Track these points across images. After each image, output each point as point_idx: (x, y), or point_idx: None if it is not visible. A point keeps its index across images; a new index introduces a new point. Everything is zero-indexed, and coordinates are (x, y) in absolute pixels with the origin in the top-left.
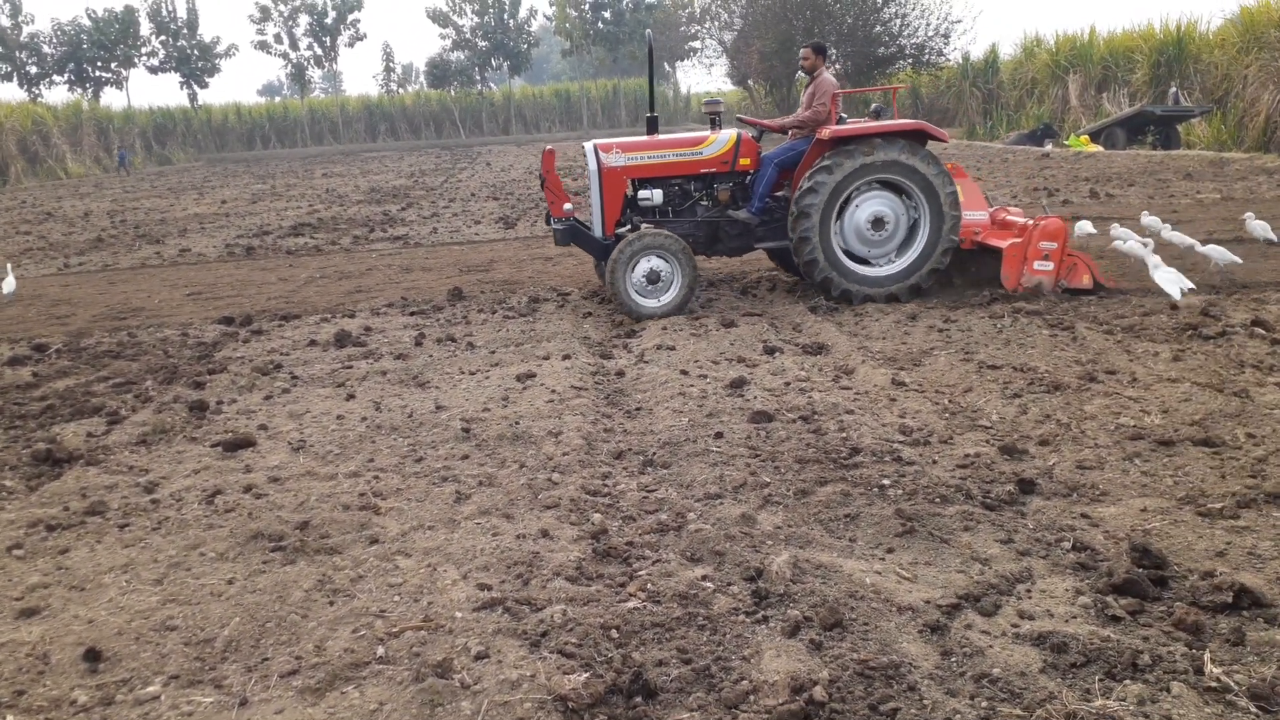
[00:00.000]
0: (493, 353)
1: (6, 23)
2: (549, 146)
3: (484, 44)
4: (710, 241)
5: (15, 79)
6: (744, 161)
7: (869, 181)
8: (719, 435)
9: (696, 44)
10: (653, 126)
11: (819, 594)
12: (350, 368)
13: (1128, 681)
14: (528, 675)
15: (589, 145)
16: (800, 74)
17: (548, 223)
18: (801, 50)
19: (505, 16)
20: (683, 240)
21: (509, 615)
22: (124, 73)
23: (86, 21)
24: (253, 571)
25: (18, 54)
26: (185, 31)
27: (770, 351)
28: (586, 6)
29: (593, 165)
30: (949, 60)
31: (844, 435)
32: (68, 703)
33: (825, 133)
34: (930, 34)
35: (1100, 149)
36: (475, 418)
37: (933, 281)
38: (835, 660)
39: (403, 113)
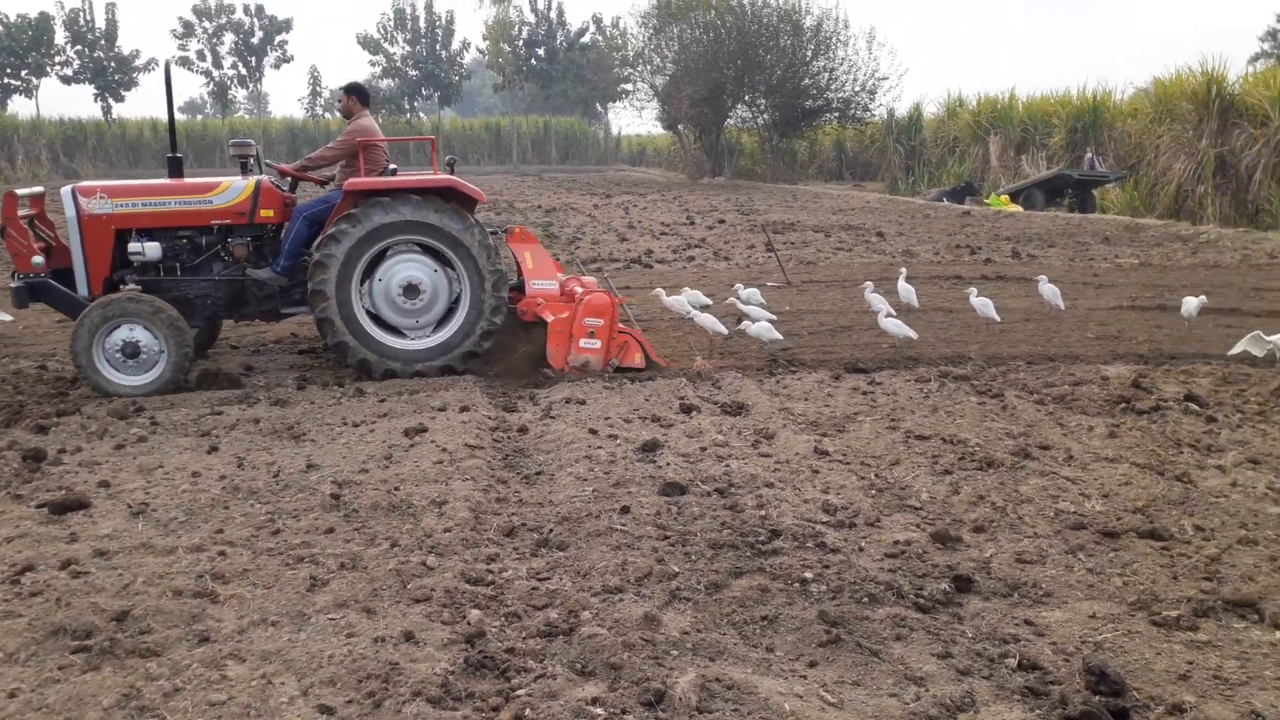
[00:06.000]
0: (382, 401)
1: None
2: (14, 190)
3: (414, 73)
4: (234, 304)
5: None
6: (266, 213)
7: (406, 243)
8: (625, 510)
9: (629, 86)
10: (175, 168)
11: None
12: (219, 414)
13: None
14: None
15: (66, 190)
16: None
17: (13, 278)
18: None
19: (437, 47)
20: (167, 305)
21: None
22: (35, 81)
23: None
24: (44, 680)
25: None
26: (103, 43)
27: (687, 410)
28: (520, 43)
29: (70, 212)
30: (874, 116)
31: (763, 513)
32: None
33: (350, 183)
34: (857, 89)
35: (1020, 209)
36: (349, 480)
37: (471, 365)
38: None
39: (327, 136)
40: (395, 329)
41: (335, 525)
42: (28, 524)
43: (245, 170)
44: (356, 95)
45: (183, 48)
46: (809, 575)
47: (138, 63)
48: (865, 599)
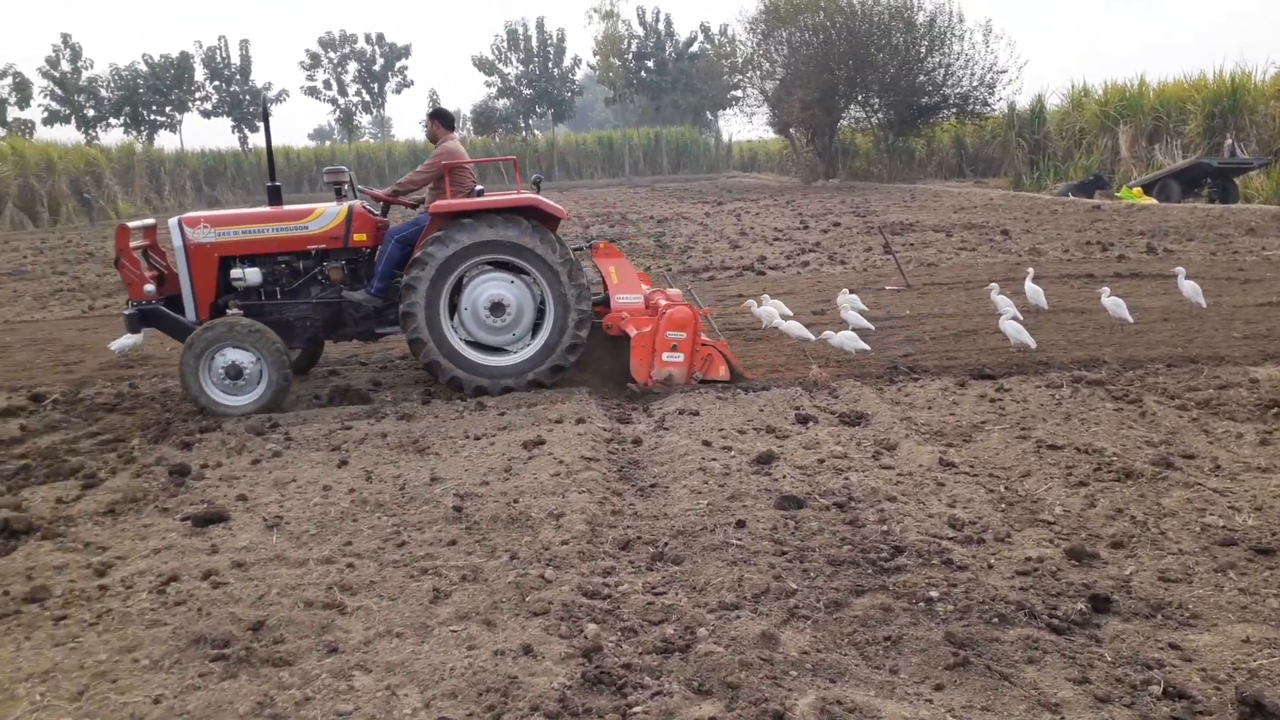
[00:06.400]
0: (502, 414)
1: (67, 68)
2: (128, 223)
3: (528, 92)
4: (332, 325)
5: (73, 122)
6: (359, 237)
7: (482, 263)
8: (740, 524)
9: (738, 93)
10: (274, 196)
11: None
12: (349, 429)
13: None
14: None
15: (173, 221)
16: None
17: (127, 305)
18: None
19: (549, 65)
20: (238, 318)
21: None
22: (178, 116)
23: (143, 67)
24: (185, 687)
25: (76, 97)
26: (238, 77)
27: (803, 420)
28: (629, 56)
29: (178, 242)
30: (994, 110)
31: (885, 529)
32: None
33: (435, 206)
34: (975, 84)
35: (1154, 201)
36: (471, 493)
37: (578, 357)
38: None
39: None
40: (497, 349)
41: (457, 537)
42: (173, 535)
43: (339, 196)
44: (440, 120)
45: (310, 78)
46: (934, 594)
47: (270, 94)
48: (995, 619)
